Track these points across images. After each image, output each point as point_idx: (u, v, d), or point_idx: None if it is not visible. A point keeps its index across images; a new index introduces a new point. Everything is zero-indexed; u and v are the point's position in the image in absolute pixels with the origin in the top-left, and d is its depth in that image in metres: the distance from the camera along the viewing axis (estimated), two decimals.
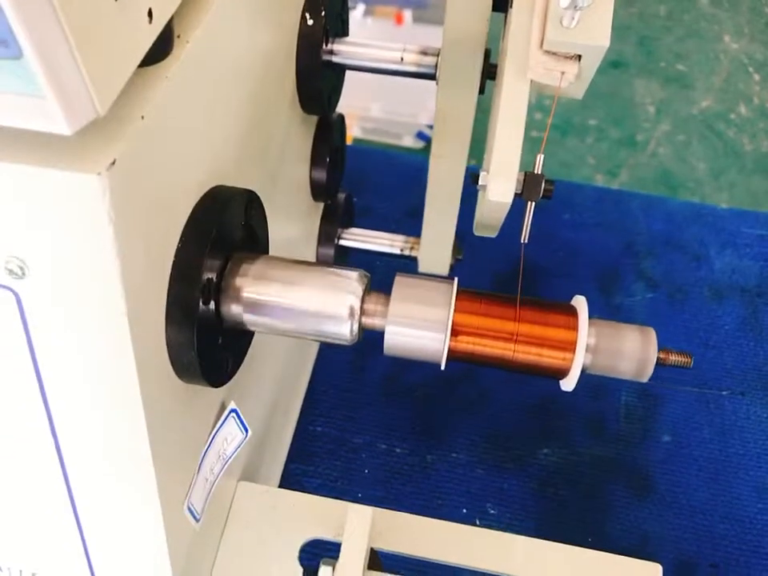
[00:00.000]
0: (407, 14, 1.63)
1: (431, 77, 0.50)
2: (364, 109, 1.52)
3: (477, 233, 0.42)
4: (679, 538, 0.62)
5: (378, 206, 0.84)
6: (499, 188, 0.34)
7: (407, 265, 0.66)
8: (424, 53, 0.50)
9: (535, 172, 0.34)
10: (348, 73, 0.54)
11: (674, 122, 1.72)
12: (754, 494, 0.64)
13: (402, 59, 0.50)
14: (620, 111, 1.75)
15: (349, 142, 1.46)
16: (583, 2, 0.31)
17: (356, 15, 1.61)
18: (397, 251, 0.65)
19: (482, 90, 0.50)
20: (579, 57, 0.34)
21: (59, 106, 0.23)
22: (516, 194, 0.34)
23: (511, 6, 0.40)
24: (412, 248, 0.65)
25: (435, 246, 0.63)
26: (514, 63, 0.36)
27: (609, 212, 0.87)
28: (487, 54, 0.49)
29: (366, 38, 0.51)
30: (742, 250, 0.82)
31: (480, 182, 0.35)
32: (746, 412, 0.69)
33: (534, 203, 0.34)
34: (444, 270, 0.66)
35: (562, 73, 0.34)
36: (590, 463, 0.66)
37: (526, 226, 0.35)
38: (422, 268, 0.65)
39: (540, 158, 0.35)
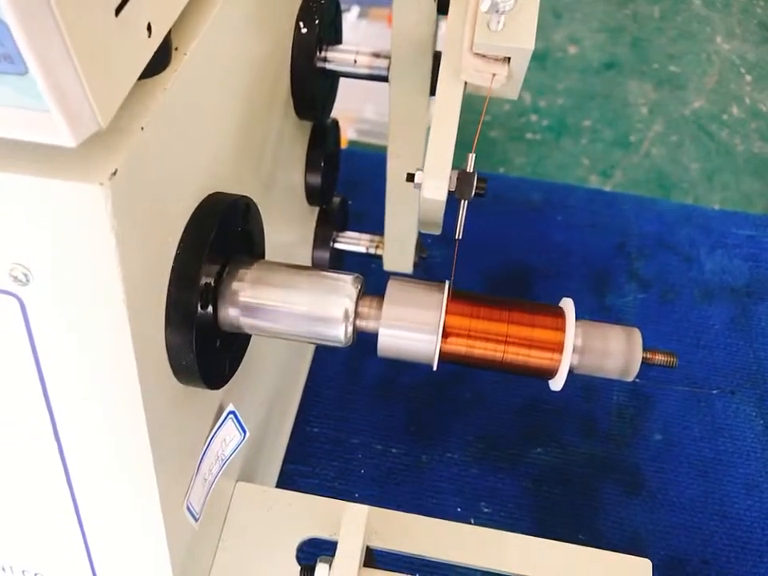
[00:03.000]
0: None
1: (384, 78, 0.51)
2: (358, 111, 1.53)
3: (422, 230, 0.43)
4: (670, 534, 0.63)
5: (372, 209, 0.85)
6: (433, 186, 0.35)
7: None
8: (376, 55, 0.51)
9: (467, 170, 0.35)
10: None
11: (666, 123, 1.73)
12: (744, 491, 0.65)
13: (355, 61, 0.51)
14: (613, 112, 1.76)
15: (344, 144, 1.47)
16: (504, 6, 0.32)
17: (350, 17, 1.61)
18: (363, 250, 0.66)
19: (432, 92, 0.51)
20: (509, 59, 0.36)
21: (63, 119, 0.24)
22: (450, 192, 0.36)
23: None
24: (377, 246, 0.65)
25: (398, 245, 0.64)
26: (448, 65, 0.37)
27: (601, 213, 0.88)
28: (437, 57, 0.50)
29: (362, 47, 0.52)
30: (731, 250, 0.83)
31: (416, 181, 0.36)
32: (735, 410, 0.70)
33: (467, 200, 0.36)
34: (408, 268, 0.67)
35: (493, 74, 0.36)
36: (582, 462, 0.67)
37: (460, 223, 0.36)
38: (386, 266, 0.66)
39: (471, 156, 0.36)
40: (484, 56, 0.36)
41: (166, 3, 0.29)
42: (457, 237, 0.37)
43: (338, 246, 0.66)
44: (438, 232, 0.43)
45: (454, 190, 0.36)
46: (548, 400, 0.70)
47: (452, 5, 0.38)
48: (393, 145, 0.56)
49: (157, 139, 0.29)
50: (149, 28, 0.27)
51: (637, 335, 0.36)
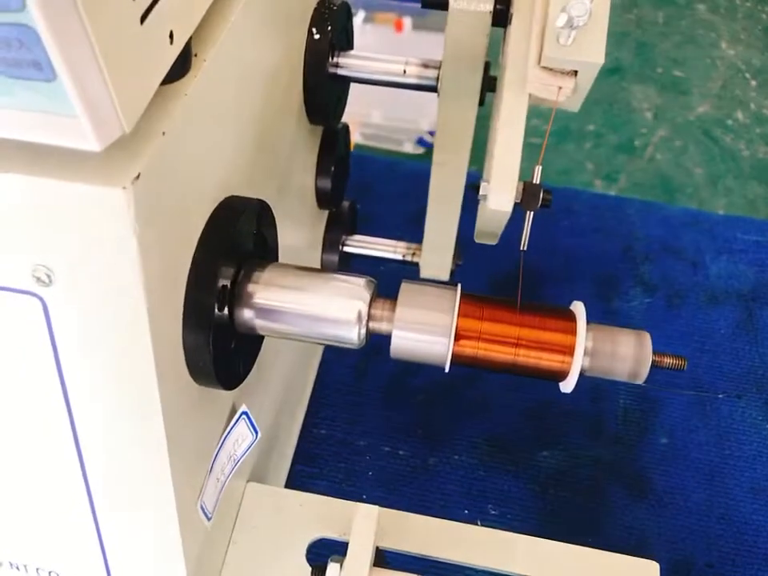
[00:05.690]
0: (407, 21, 1.65)
1: (433, 89, 0.52)
2: (365, 115, 1.54)
3: (477, 240, 0.43)
4: (676, 538, 0.63)
5: (380, 213, 0.85)
6: (500, 198, 0.36)
7: (408, 270, 0.67)
8: (425, 65, 0.52)
9: (534, 182, 0.36)
10: None
11: (671, 128, 1.73)
12: (750, 495, 0.66)
13: (404, 72, 0.51)
14: (618, 117, 1.76)
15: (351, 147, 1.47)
16: (579, 21, 0.32)
17: (356, 22, 1.62)
18: (399, 257, 0.66)
19: (481, 102, 0.52)
20: (575, 72, 0.36)
21: (90, 124, 0.24)
22: (515, 203, 0.36)
23: (510, 23, 0.41)
24: (414, 254, 0.66)
25: (436, 252, 0.65)
26: (513, 78, 0.37)
27: (607, 218, 0.88)
28: (487, 67, 0.50)
29: (369, 51, 0.52)
30: (737, 255, 0.84)
31: (481, 192, 0.37)
32: (741, 414, 0.71)
33: (533, 212, 0.36)
34: (445, 276, 0.67)
35: (559, 87, 0.36)
36: (588, 465, 0.67)
37: (525, 234, 0.37)
38: (423, 274, 0.67)
39: (538, 168, 0.36)
40: (551, 69, 0.36)
41: (187, 11, 0.29)
42: (522, 248, 0.38)
43: (347, 249, 0.67)
44: (494, 242, 0.43)
45: (519, 201, 0.36)
46: (555, 403, 0.71)
47: (515, 18, 0.38)
48: (438, 153, 0.57)
49: (177, 143, 0.30)
50: (171, 35, 0.28)
51: (647, 339, 0.36)
